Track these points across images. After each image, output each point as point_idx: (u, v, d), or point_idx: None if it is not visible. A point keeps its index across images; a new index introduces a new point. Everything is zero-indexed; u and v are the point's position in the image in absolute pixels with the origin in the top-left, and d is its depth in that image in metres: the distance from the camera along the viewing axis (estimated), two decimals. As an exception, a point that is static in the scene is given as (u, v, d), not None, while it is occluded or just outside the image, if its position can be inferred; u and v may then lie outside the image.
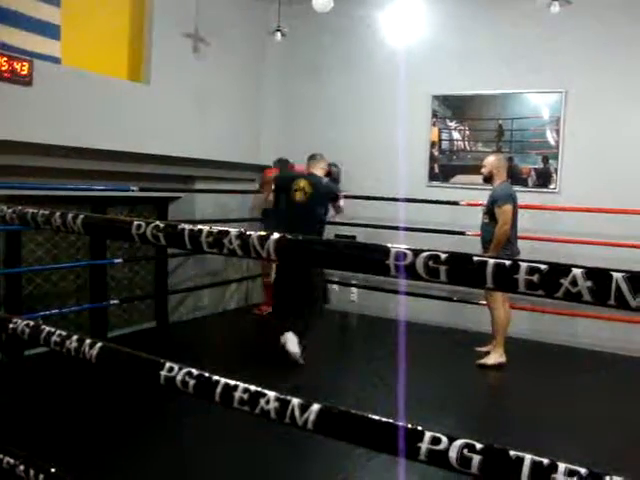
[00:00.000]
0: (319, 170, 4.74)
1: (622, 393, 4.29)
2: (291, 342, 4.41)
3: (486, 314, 4.95)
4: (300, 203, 4.59)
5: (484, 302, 5.21)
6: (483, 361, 4.73)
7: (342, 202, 4.86)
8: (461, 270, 1.06)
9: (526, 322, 5.35)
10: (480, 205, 5.53)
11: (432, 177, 6.06)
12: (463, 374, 4.59)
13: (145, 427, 3.44)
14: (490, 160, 4.82)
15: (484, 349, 4.94)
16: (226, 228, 1.28)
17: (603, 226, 5.16)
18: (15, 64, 4.00)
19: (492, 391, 4.55)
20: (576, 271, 0.98)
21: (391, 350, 4.35)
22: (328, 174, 4.92)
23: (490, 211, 4.64)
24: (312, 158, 4.81)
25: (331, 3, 4.83)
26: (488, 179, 4.80)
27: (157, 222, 1.37)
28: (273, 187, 5.07)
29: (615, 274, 0.96)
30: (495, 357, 4.73)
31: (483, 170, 4.82)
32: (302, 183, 4.62)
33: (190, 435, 3.25)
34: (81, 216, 1.51)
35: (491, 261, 1.03)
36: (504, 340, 4.74)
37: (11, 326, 1.67)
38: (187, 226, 1.32)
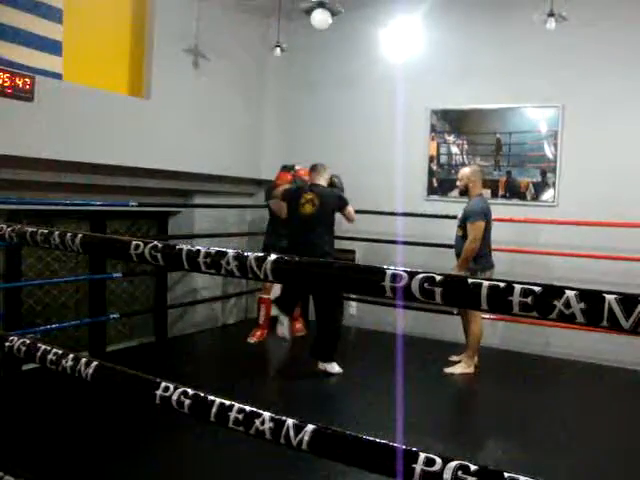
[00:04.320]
0: (323, 180, 4.79)
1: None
2: (331, 367, 4.66)
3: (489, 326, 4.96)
4: (309, 215, 4.64)
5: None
6: (450, 370, 4.82)
7: (351, 209, 4.84)
8: (456, 292, 1.07)
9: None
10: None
11: (431, 191, 6.08)
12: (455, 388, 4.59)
13: (141, 442, 3.42)
14: (465, 173, 4.84)
15: (456, 358, 5.02)
16: (224, 249, 1.29)
17: (602, 239, 5.17)
18: (17, 80, 4.02)
19: (469, 402, 4.59)
20: (569, 293, 0.99)
21: (389, 365, 4.35)
22: (331, 184, 4.92)
23: (463, 225, 4.71)
24: (314, 169, 4.85)
25: (329, 19, 4.88)
26: (464, 192, 4.84)
27: (155, 242, 1.38)
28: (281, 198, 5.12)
29: (608, 296, 0.97)
30: (463, 367, 4.82)
31: (459, 183, 4.86)
32: (309, 195, 4.66)
33: (188, 451, 3.24)
34: (79, 235, 1.52)
35: (485, 283, 1.05)
36: (475, 352, 4.84)
37: (7, 344, 1.68)
38: (185, 246, 1.34)
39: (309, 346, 4.86)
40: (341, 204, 4.75)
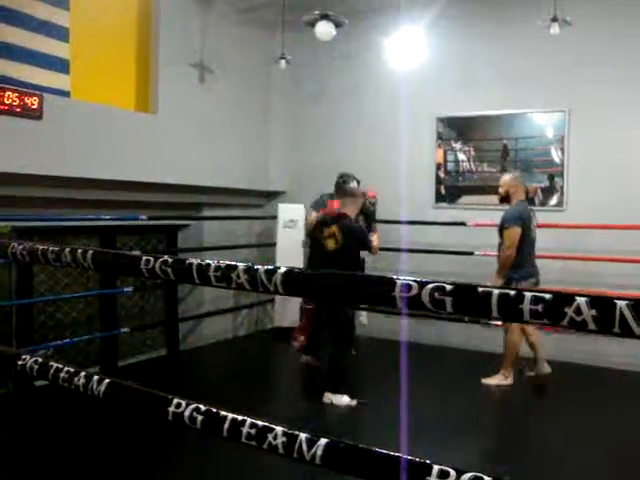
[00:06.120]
0: (350, 209, 4.30)
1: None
2: (338, 400, 4.22)
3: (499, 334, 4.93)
4: (331, 252, 4.18)
5: (498, 323, 5.17)
6: (486, 381, 4.71)
7: (375, 242, 4.51)
8: (466, 301, 1.06)
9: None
10: (488, 225, 5.56)
11: (439, 198, 6.07)
12: (482, 397, 4.55)
13: (155, 459, 3.42)
14: (506, 179, 4.69)
15: (531, 373, 4.80)
16: (234, 262, 1.29)
17: (611, 242, 5.14)
18: (26, 99, 4.07)
19: (506, 415, 4.48)
20: (580, 300, 0.99)
21: (402, 375, 4.31)
22: (363, 211, 4.67)
23: (501, 233, 4.57)
24: (342, 193, 4.37)
25: (333, 31, 4.90)
26: (505, 199, 4.66)
27: (165, 257, 1.39)
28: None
29: (619, 302, 0.96)
30: (499, 378, 4.70)
31: (500, 190, 4.69)
32: (333, 229, 4.17)
33: (202, 467, 3.23)
34: (90, 252, 1.53)
35: (496, 291, 1.04)
36: (512, 364, 4.67)
37: (20, 363, 1.69)
38: (195, 261, 1.34)
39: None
40: (366, 243, 4.24)
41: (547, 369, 4.69)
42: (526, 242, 4.50)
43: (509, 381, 4.68)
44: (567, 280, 5.16)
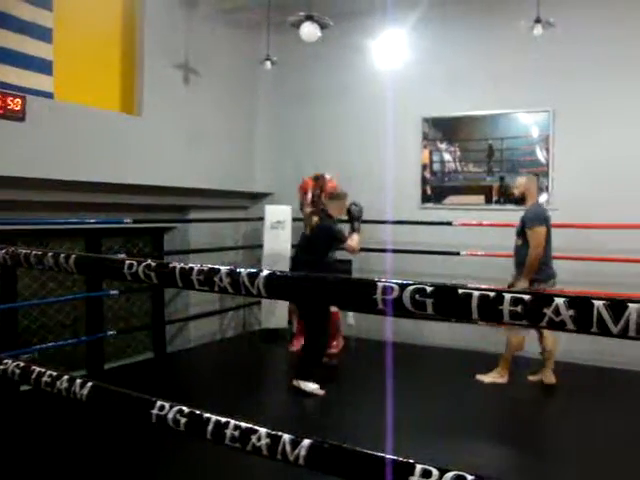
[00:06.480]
0: (333, 209, 4.89)
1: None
2: (305, 386, 4.53)
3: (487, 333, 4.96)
4: (306, 236, 4.94)
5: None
6: (481, 377, 4.78)
7: (352, 242, 4.75)
8: (447, 303, 1.07)
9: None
10: (474, 225, 5.59)
11: (425, 199, 6.10)
12: (479, 397, 4.54)
13: (144, 462, 3.40)
14: (522, 181, 4.78)
15: (535, 378, 4.81)
16: (217, 266, 1.29)
17: (595, 241, 5.18)
18: (8, 100, 4.04)
19: (498, 414, 4.49)
20: (558, 300, 1.00)
21: (389, 375, 4.33)
22: (348, 212, 4.95)
23: (522, 233, 4.58)
24: (331, 196, 5.02)
25: (318, 32, 4.90)
26: (520, 200, 4.77)
27: (149, 261, 1.39)
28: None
29: (596, 302, 0.97)
30: (494, 376, 4.75)
31: (515, 192, 4.81)
32: (314, 219, 4.89)
33: (187, 469, 3.22)
34: (73, 256, 1.53)
35: (476, 293, 1.05)
36: (508, 363, 4.73)
37: (1, 367, 1.67)
38: (178, 264, 1.34)
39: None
40: (332, 241, 4.77)
41: (552, 379, 4.68)
42: (548, 243, 4.56)
43: (504, 380, 4.73)
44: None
